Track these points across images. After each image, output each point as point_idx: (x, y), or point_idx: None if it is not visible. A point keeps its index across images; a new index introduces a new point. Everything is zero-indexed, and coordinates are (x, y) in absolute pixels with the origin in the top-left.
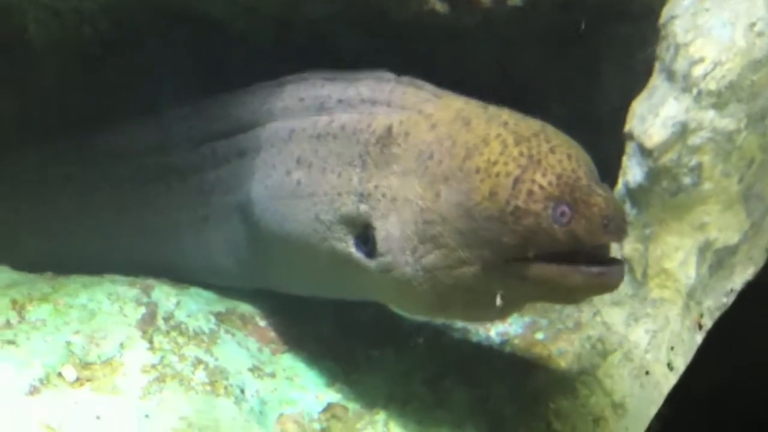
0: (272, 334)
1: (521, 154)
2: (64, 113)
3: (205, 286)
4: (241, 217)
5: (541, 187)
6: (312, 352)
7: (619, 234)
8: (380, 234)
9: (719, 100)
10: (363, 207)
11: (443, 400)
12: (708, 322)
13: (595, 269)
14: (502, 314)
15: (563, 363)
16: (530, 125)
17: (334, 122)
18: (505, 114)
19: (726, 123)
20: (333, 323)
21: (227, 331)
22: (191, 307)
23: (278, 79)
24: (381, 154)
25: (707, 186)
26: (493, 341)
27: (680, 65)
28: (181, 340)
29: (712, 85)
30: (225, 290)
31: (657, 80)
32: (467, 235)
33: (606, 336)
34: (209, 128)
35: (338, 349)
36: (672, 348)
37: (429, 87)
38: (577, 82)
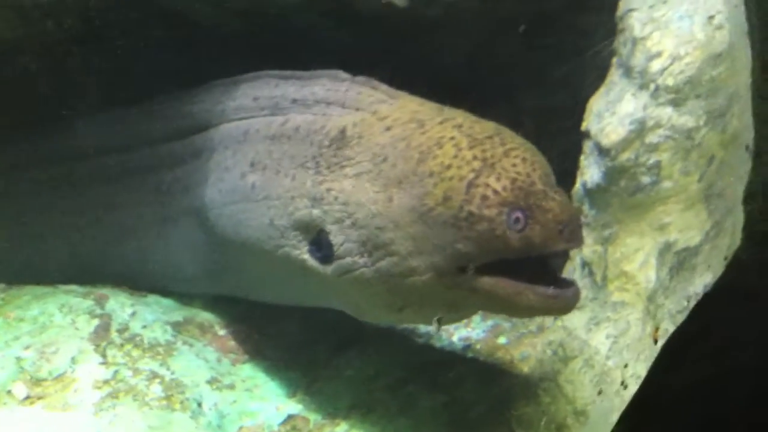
0: (232, 343)
1: (475, 157)
2: (23, 112)
3: (165, 293)
4: (198, 221)
5: (495, 191)
6: (273, 360)
7: (575, 241)
8: (337, 238)
9: (677, 96)
10: (316, 212)
11: (406, 406)
12: (669, 327)
13: (550, 291)
14: (459, 318)
15: (525, 368)
16: (485, 128)
17: (289, 123)
18: (460, 116)
19: (685, 120)
20: (296, 328)
21: (185, 342)
22: (147, 317)
23: (232, 78)
24: (334, 157)
25: (666, 185)
26: (456, 346)
27: (637, 60)
28: (135, 353)
29: (670, 81)
30: (185, 297)
31: (614, 76)
32: (419, 242)
33: (567, 341)
34: (165, 127)
35: (301, 356)
36: (631, 353)
37: (384, 87)
38: (545, 75)
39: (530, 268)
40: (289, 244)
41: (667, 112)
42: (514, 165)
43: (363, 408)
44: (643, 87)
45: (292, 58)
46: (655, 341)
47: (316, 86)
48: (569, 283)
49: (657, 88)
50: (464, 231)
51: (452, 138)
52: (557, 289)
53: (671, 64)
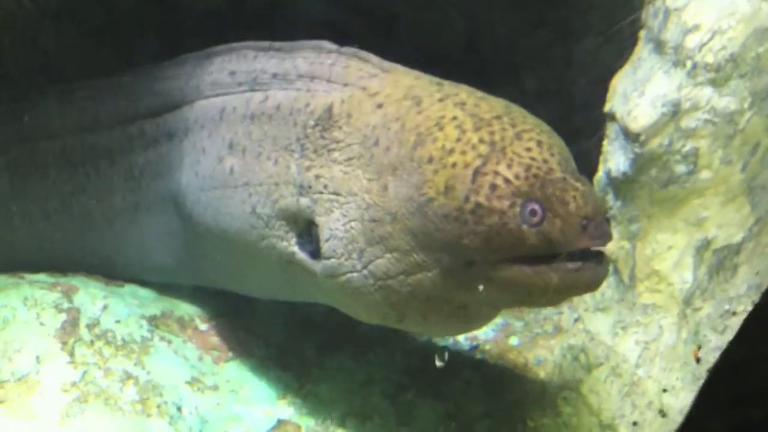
0: (215, 339)
1: (481, 140)
2: None
3: (143, 283)
4: (174, 208)
5: (506, 180)
6: (260, 359)
7: (601, 237)
8: (323, 233)
9: (718, 76)
10: (303, 201)
11: (406, 415)
12: (707, 333)
13: (572, 265)
14: (468, 327)
15: (542, 374)
16: (492, 105)
17: (269, 100)
18: (463, 92)
19: (726, 102)
20: (285, 324)
21: (162, 338)
22: (121, 311)
23: (207, 50)
24: (321, 139)
25: (704, 175)
26: (462, 347)
27: (671, 34)
28: (107, 351)
29: (710, 58)
30: (165, 288)
31: (643, 52)
32: (421, 237)
33: (590, 346)
34: (137, 105)
35: (290, 355)
36: (665, 362)
37: (375, 59)
38: (551, 53)
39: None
40: (275, 234)
41: (706, 92)
42: (528, 149)
43: (359, 416)
44: (677, 64)
45: (280, 31)
46: (697, 360)
47: (299, 59)
48: (595, 254)
49: (694, 66)
50: (471, 225)
51: (454, 118)
52: (580, 262)
53: (711, 38)
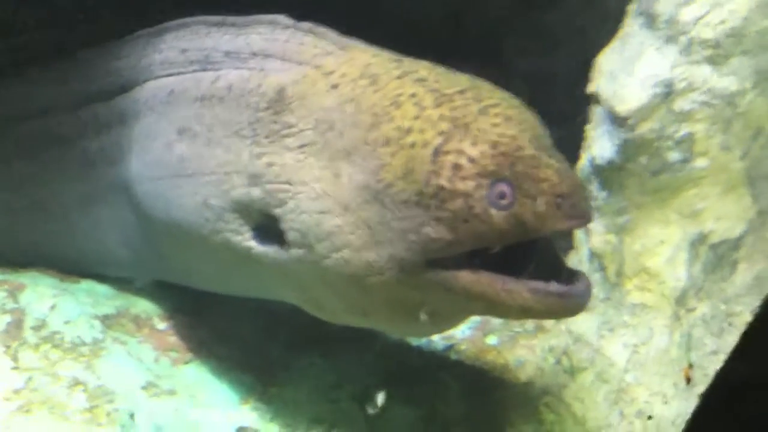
0: (173, 339)
1: (442, 117)
2: None
3: (102, 278)
4: (127, 198)
5: (470, 159)
6: (222, 359)
7: (580, 217)
8: (285, 224)
9: (717, 53)
10: (255, 191)
11: (376, 422)
12: (702, 335)
13: (551, 287)
14: (438, 329)
15: (523, 377)
16: (455, 80)
17: (220, 81)
18: (424, 68)
19: (726, 82)
20: (250, 321)
21: (116, 339)
22: (71, 310)
23: (159, 26)
24: (273, 123)
25: (701, 163)
26: (437, 347)
27: (663, 6)
28: (54, 354)
29: (708, 33)
30: (125, 283)
31: (632, 26)
32: (377, 229)
33: (573, 348)
34: (89, 87)
35: (255, 355)
36: (656, 367)
37: (332, 35)
38: (540, 31)
39: (526, 256)
40: (229, 228)
41: (704, 71)
42: (495, 125)
43: (326, 422)
44: (670, 40)
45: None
46: (688, 381)
47: (253, 35)
48: (576, 276)
49: (690, 42)
50: (433, 211)
51: (413, 95)
52: (561, 285)
53: (709, 11)
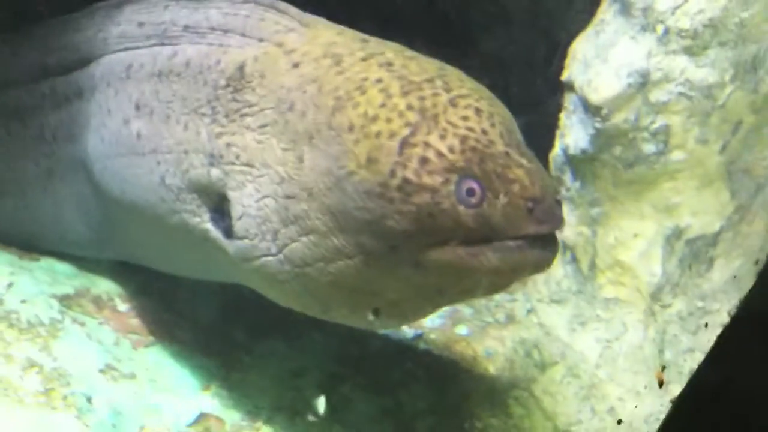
0: (135, 321)
1: (410, 106)
2: None
3: (62, 256)
4: (86, 175)
5: (438, 153)
6: (184, 343)
7: (551, 222)
8: (235, 210)
9: (695, 43)
10: (215, 172)
11: (341, 410)
12: (677, 333)
13: (513, 243)
14: (403, 321)
15: (491, 368)
16: (424, 67)
17: (178, 56)
18: (390, 50)
19: (704, 74)
20: (214, 303)
21: (75, 320)
22: (28, 289)
23: None
24: (233, 102)
25: (677, 156)
26: (405, 335)
27: None
28: (9, 335)
29: (685, 23)
30: (85, 262)
31: (606, 13)
32: (340, 216)
33: (544, 342)
34: (47, 60)
35: (218, 340)
36: (628, 363)
37: (294, 11)
38: (512, 11)
39: None
40: (186, 209)
41: (681, 62)
42: (465, 118)
43: (288, 410)
44: (646, 28)
45: None
46: (660, 384)
47: (212, 9)
48: (541, 237)
49: (666, 31)
50: (397, 204)
51: (379, 80)
52: (522, 240)
53: (687, 1)
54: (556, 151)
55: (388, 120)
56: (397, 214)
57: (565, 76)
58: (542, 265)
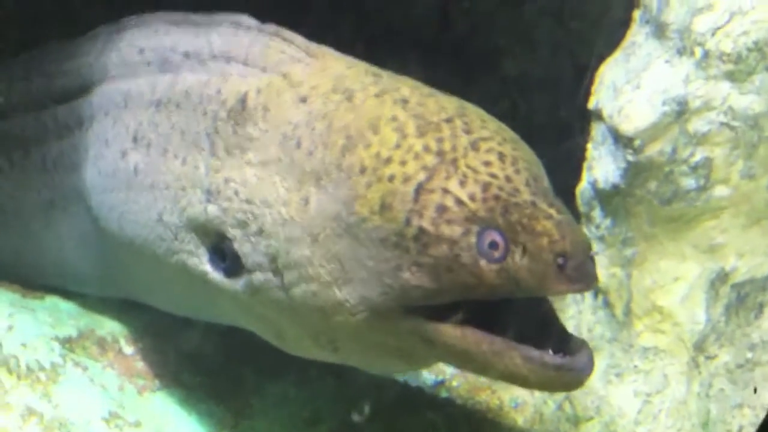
0: (140, 365)
1: (427, 148)
2: None
3: (67, 294)
4: (86, 207)
5: (458, 201)
6: (191, 388)
7: (584, 281)
8: (243, 247)
9: (738, 68)
10: (212, 209)
11: None
12: (726, 388)
13: (548, 357)
14: (413, 367)
15: (520, 420)
16: (442, 105)
17: (178, 85)
18: (405, 86)
19: (749, 101)
20: (220, 343)
21: (77, 364)
22: (29, 331)
23: (119, 21)
24: (233, 135)
25: (720, 191)
26: (425, 380)
27: (675, 14)
28: (8, 381)
29: (727, 46)
30: (92, 300)
31: (638, 35)
32: (349, 266)
33: (576, 394)
34: (48, 87)
35: (226, 383)
36: (672, 420)
37: (299, 40)
38: (535, 32)
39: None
40: (185, 249)
41: (722, 88)
42: (487, 163)
43: None
44: (682, 52)
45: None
46: None
47: (214, 36)
48: (577, 344)
49: (706, 55)
50: (413, 255)
51: (393, 118)
52: (559, 356)
53: (728, 21)
54: (583, 185)
55: (403, 163)
56: (414, 265)
57: (592, 104)
58: (573, 387)
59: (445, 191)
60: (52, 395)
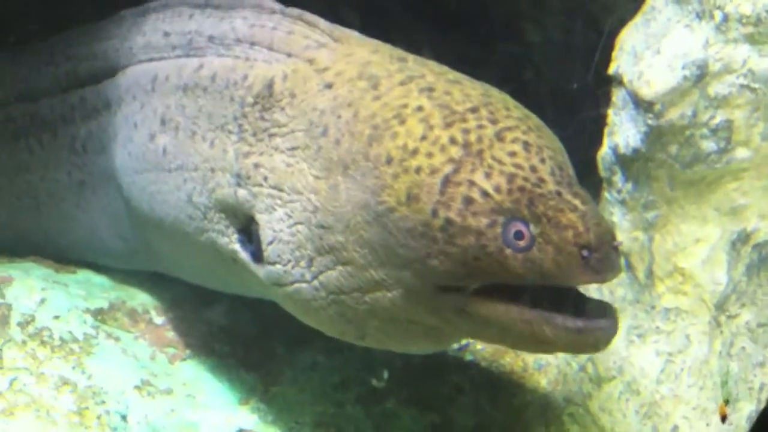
0: (171, 335)
1: (453, 140)
2: None
3: (99, 268)
4: (117, 186)
5: (484, 193)
6: (222, 356)
7: (608, 271)
8: (265, 234)
9: (758, 31)
10: (242, 193)
11: (385, 427)
12: (747, 345)
13: (572, 323)
14: (440, 347)
15: (543, 381)
16: (467, 93)
17: (204, 69)
18: (430, 72)
19: None
20: (252, 314)
21: (109, 335)
22: (61, 304)
23: (143, 6)
24: (261, 120)
25: (741, 153)
26: (450, 346)
27: None
28: (41, 352)
29: (746, 8)
30: (122, 273)
31: (658, 1)
32: (381, 251)
33: (599, 355)
34: (75, 70)
35: (256, 352)
36: (694, 379)
37: (324, 24)
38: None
39: None
40: (215, 228)
41: (742, 51)
42: (513, 153)
43: (330, 426)
44: (702, 16)
45: None
46: (723, 419)
47: (238, 19)
48: (602, 308)
49: (725, 18)
50: (441, 244)
51: (419, 108)
52: (585, 320)
53: None
54: (604, 150)
55: (429, 155)
56: (442, 254)
57: (612, 69)
58: (600, 347)
59: (471, 183)
60: (86, 366)
